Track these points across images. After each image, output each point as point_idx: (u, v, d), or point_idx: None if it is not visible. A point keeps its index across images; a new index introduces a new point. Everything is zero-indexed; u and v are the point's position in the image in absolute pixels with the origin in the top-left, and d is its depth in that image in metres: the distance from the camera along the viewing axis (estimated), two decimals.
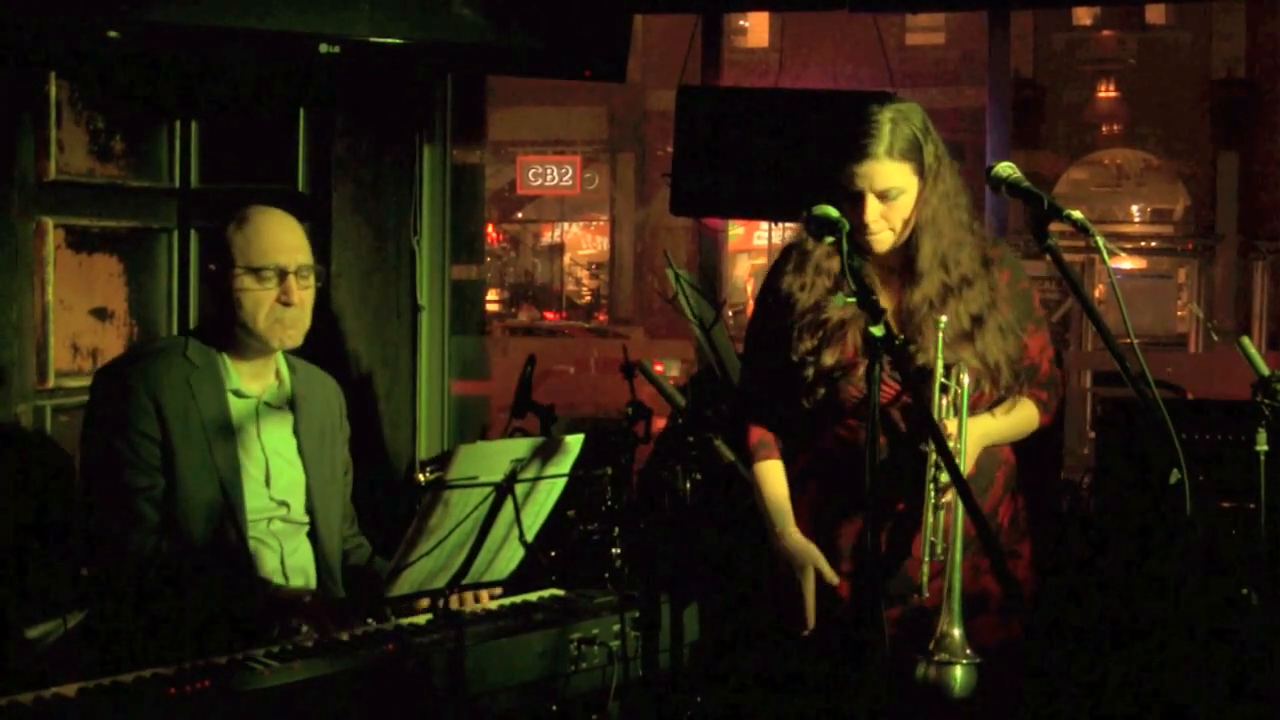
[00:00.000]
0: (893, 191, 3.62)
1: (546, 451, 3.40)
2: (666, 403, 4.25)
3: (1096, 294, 24.98)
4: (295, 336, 3.87)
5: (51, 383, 5.09)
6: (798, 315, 3.75)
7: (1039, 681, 3.99)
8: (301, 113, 5.63)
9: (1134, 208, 31.86)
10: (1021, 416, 3.81)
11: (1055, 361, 3.87)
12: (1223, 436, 5.13)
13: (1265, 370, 4.21)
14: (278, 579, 3.85)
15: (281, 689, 3.14)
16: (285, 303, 3.81)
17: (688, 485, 3.93)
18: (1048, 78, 29.90)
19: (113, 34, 4.73)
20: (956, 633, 3.49)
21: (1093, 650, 5.04)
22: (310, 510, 3.96)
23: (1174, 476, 3.15)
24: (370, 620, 3.76)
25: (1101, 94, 30.39)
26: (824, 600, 3.74)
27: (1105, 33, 30.38)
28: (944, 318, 3.62)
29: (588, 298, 35.94)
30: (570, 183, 32.76)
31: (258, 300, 3.79)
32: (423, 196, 6.10)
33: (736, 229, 31.07)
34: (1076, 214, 3.26)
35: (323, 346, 5.53)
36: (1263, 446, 4.21)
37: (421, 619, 3.71)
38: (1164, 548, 5.09)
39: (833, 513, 3.76)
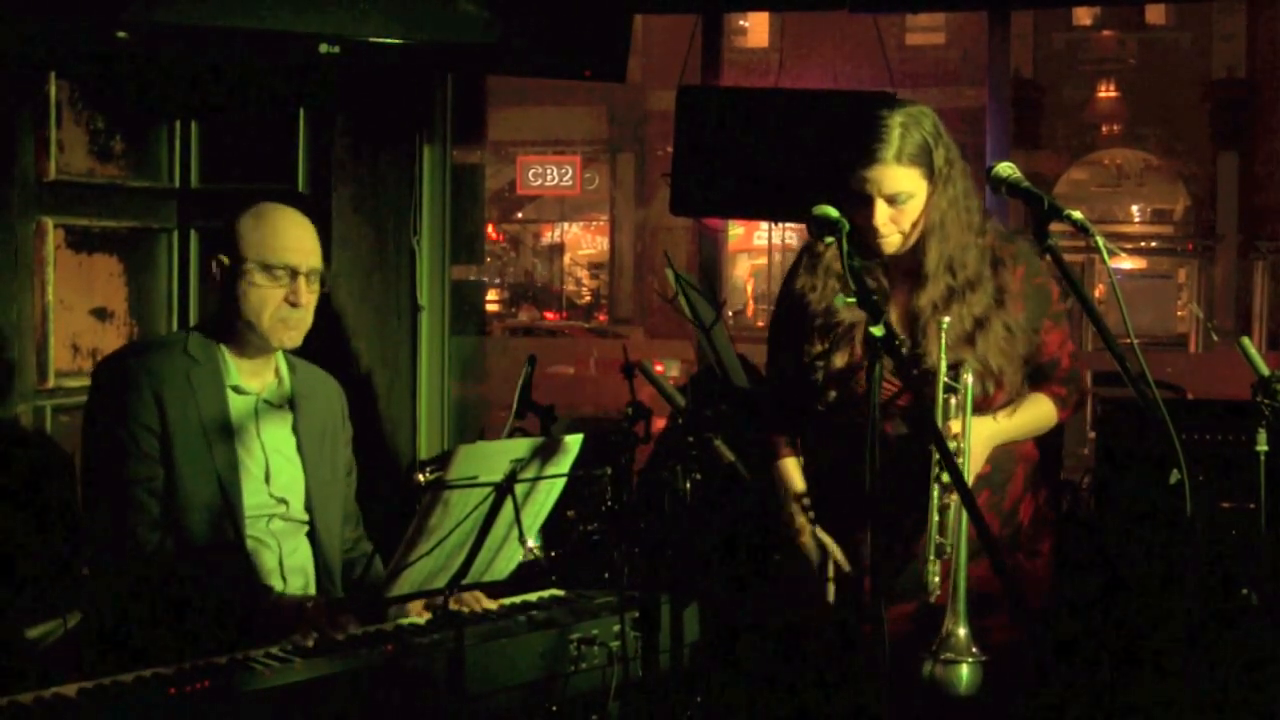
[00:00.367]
0: (902, 196, 3.64)
1: (546, 451, 3.40)
2: (666, 403, 4.25)
3: (1096, 294, 24.98)
4: (296, 338, 3.87)
5: (52, 383, 5.09)
6: (809, 317, 3.78)
7: (1048, 681, 3.99)
8: (301, 113, 5.63)
9: (1134, 208, 31.88)
10: (1035, 413, 3.83)
11: (1076, 356, 3.88)
12: (1223, 437, 5.13)
13: (1265, 370, 4.21)
14: (276, 579, 3.85)
15: (281, 689, 3.14)
16: (293, 303, 3.81)
17: (688, 485, 3.93)
18: (1048, 78, 29.91)
19: (122, 34, 4.74)
20: (962, 632, 3.51)
21: (1093, 650, 5.04)
22: (309, 509, 3.95)
23: (1174, 477, 3.15)
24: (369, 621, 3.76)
25: (1101, 94, 30.40)
26: (842, 595, 3.77)
27: (1105, 33, 30.40)
28: (946, 319, 3.63)
29: (587, 298, 35.95)
30: (570, 183, 32.76)
31: (265, 298, 3.79)
32: (423, 196, 6.10)
33: (736, 229, 31.09)
34: (1076, 214, 3.27)
35: (323, 346, 5.53)
36: (1263, 446, 4.21)
37: (421, 619, 3.72)
38: (1164, 548, 5.09)
39: (848, 511, 3.78)
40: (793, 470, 3.95)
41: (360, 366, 5.81)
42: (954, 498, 3.57)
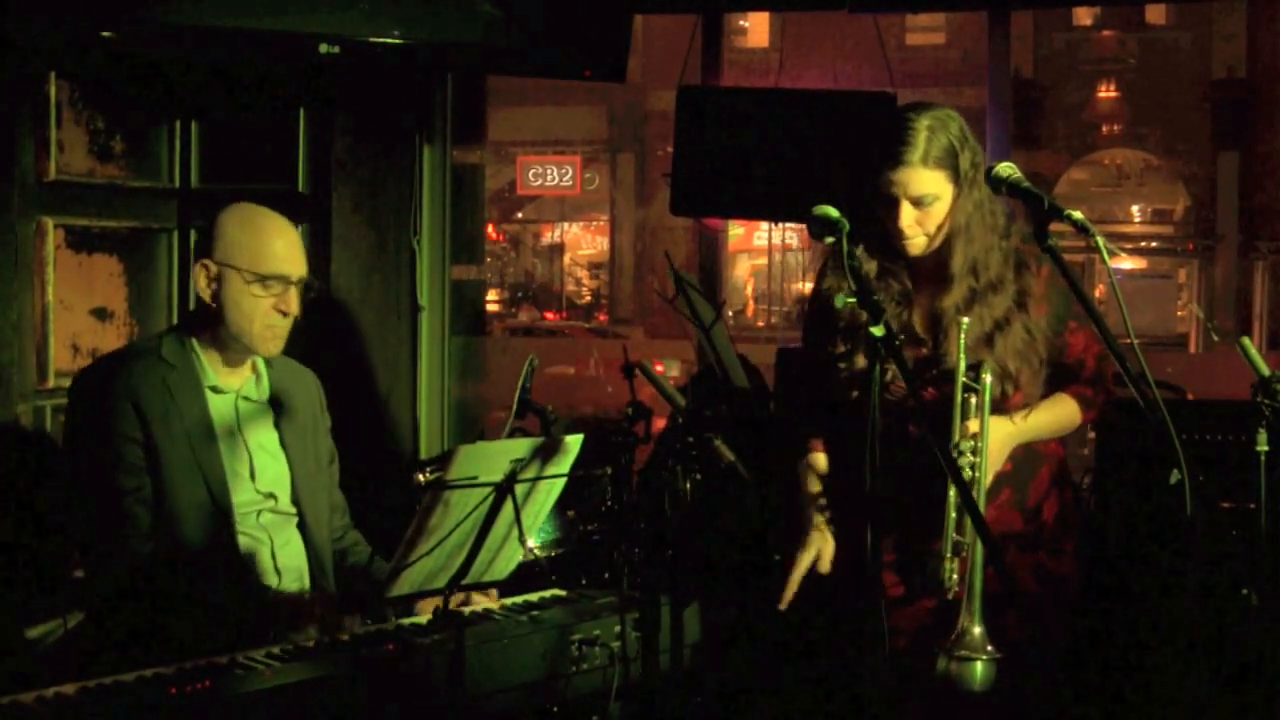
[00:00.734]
0: (927, 198, 3.65)
1: (546, 452, 3.40)
2: (667, 403, 4.25)
3: (1097, 294, 24.96)
4: (279, 346, 3.89)
5: (51, 383, 5.09)
6: (834, 317, 3.79)
7: (1058, 679, 3.99)
8: (302, 113, 5.63)
9: (1134, 208, 31.88)
10: (1058, 413, 3.85)
11: (1102, 358, 3.88)
12: (1223, 437, 5.12)
13: (1265, 370, 4.21)
14: (270, 576, 3.85)
15: (281, 689, 3.14)
16: (283, 312, 3.81)
17: (688, 485, 3.94)
18: (1048, 78, 29.91)
19: (107, 34, 4.73)
20: (977, 630, 3.54)
21: (1093, 650, 5.04)
22: (297, 502, 3.96)
23: (1174, 477, 3.15)
24: (370, 620, 3.76)
25: (1102, 94, 30.40)
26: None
27: (1105, 33, 30.40)
28: (965, 320, 3.65)
29: (588, 298, 35.94)
30: (570, 183, 32.77)
31: (256, 307, 3.79)
32: (423, 197, 6.10)
33: (736, 229, 31.08)
34: (1077, 214, 3.27)
35: (323, 346, 5.54)
36: (1263, 447, 4.20)
37: (422, 619, 3.72)
38: (1164, 548, 5.09)
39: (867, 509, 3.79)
40: (819, 466, 3.96)
41: (360, 366, 5.81)
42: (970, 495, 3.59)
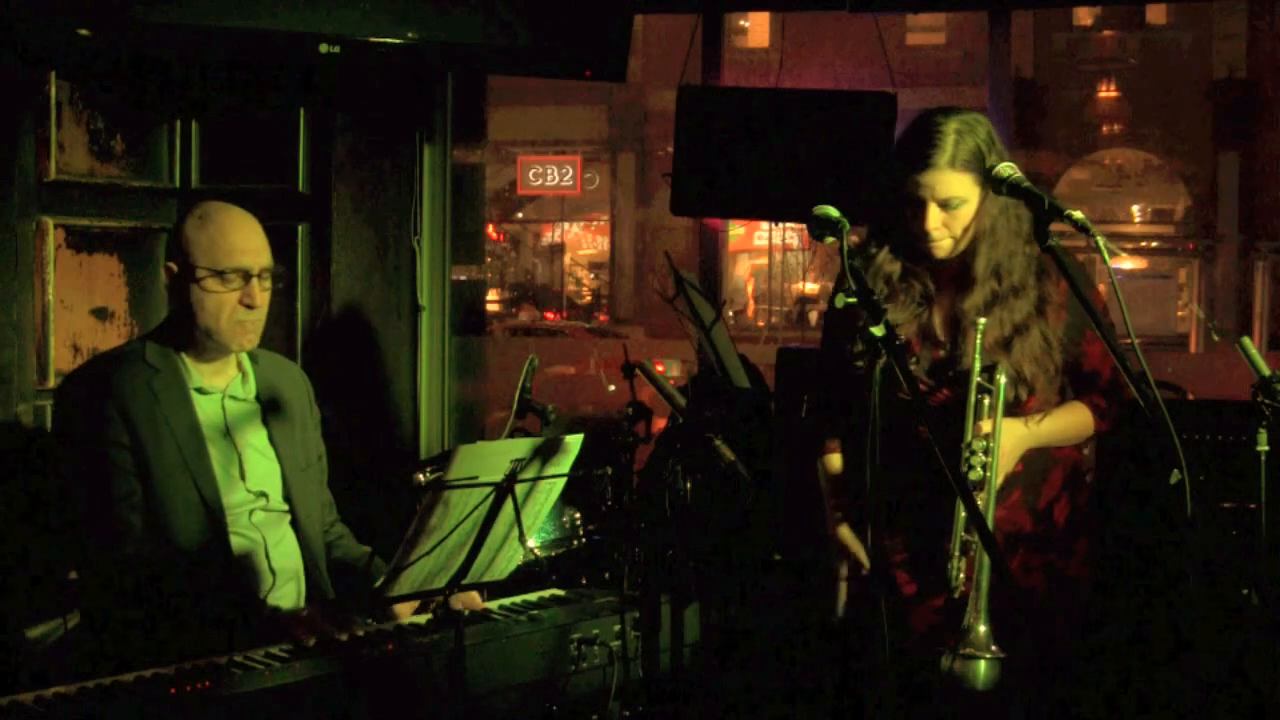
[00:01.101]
0: (954, 200, 3.66)
1: (546, 451, 3.40)
2: (667, 403, 4.25)
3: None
4: (254, 339, 3.88)
5: (52, 382, 5.09)
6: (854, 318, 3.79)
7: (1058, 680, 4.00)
8: (302, 113, 5.62)
9: (1134, 208, 31.88)
10: (1071, 420, 3.86)
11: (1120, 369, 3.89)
12: (1223, 437, 5.12)
13: (1266, 370, 4.21)
14: (265, 577, 3.85)
15: (282, 689, 3.14)
16: (248, 305, 3.81)
17: (688, 485, 3.94)
18: (1048, 78, 29.91)
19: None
20: (982, 628, 3.55)
21: (1094, 650, 5.04)
22: (289, 499, 3.96)
23: (1175, 477, 3.15)
24: (370, 620, 3.76)
25: (1102, 94, 30.41)
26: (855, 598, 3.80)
27: (1106, 32, 30.40)
28: (983, 320, 3.66)
29: (588, 298, 35.95)
30: (570, 183, 32.78)
31: (220, 303, 3.78)
32: (423, 196, 6.09)
33: (737, 229, 31.11)
34: (1077, 214, 3.27)
35: (323, 346, 5.54)
36: (1263, 447, 4.20)
37: (422, 619, 3.72)
38: (1165, 548, 5.09)
39: (893, 512, 3.79)
40: (834, 467, 3.98)
41: (361, 366, 5.81)
42: (980, 496, 3.62)
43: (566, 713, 3.65)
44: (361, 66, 5.33)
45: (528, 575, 3.95)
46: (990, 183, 3.53)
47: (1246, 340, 4.28)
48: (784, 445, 5.66)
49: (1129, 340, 3.31)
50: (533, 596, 3.97)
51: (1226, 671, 4.72)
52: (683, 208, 6.71)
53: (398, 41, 5.06)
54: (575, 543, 5.12)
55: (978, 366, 3.67)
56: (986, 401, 3.67)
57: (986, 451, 3.63)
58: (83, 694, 3.07)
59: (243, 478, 3.87)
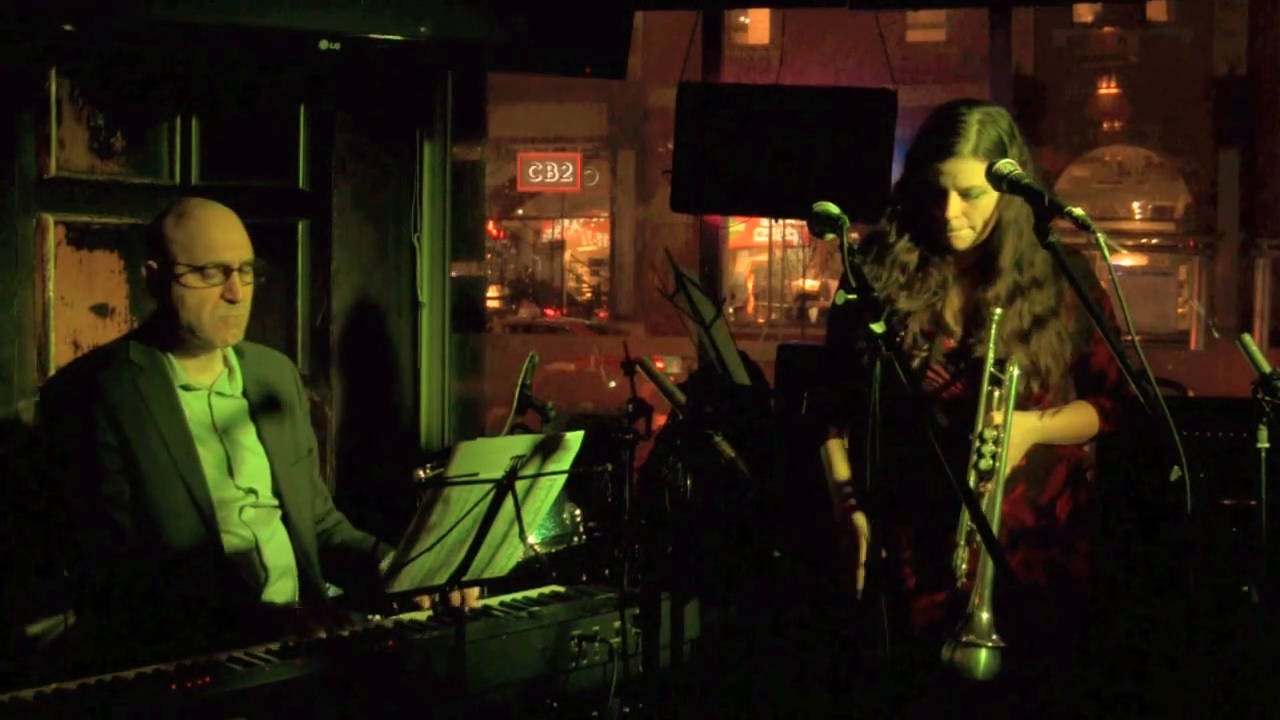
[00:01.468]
0: (975, 190, 3.66)
1: (546, 448, 3.40)
2: (667, 400, 4.25)
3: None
4: (238, 334, 3.86)
5: None
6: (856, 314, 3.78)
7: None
8: (302, 109, 5.62)
9: (1135, 205, 31.87)
10: (1078, 419, 3.86)
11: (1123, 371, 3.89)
12: (1223, 434, 5.13)
13: (1266, 368, 4.21)
14: (259, 574, 3.84)
15: (281, 685, 3.14)
16: (230, 300, 3.79)
17: (688, 482, 3.94)
18: (1049, 75, 29.89)
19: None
20: (984, 615, 3.55)
21: (1095, 647, 5.05)
22: (278, 494, 3.94)
23: (1175, 473, 3.15)
24: (372, 616, 3.76)
25: (1103, 91, 30.40)
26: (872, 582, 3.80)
27: (1106, 29, 30.39)
28: (999, 310, 3.67)
29: (588, 294, 35.95)
30: (571, 179, 32.78)
31: (202, 298, 3.77)
32: (423, 193, 6.09)
33: (737, 226, 31.10)
34: (1078, 211, 3.27)
35: (323, 343, 5.54)
36: (1263, 444, 4.21)
37: (422, 615, 3.72)
38: (1165, 545, 5.09)
39: (897, 501, 3.79)
40: (837, 455, 3.98)
41: (361, 363, 5.81)
42: (989, 486, 3.63)
43: (567, 709, 3.65)
44: (362, 63, 5.34)
45: (528, 572, 3.94)
46: (990, 180, 3.52)
47: (1247, 337, 4.29)
48: (784, 442, 5.67)
49: (1129, 337, 3.32)
50: (533, 593, 3.96)
51: (1227, 668, 4.73)
52: (683, 204, 6.72)
53: (398, 38, 5.06)
54: (576, 539, 5.12)
55: (991, 357, 3.67)
56: (997, 393, 3.67)
57: (997, 442, 3.63)
58: (83, 690, 3.07)
59: (231, 475, 3.85)
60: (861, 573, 3.79)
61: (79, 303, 5.24)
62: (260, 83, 5.57)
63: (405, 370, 6.04)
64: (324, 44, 4.96)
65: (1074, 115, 30.28)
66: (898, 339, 3.27)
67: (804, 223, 3.43)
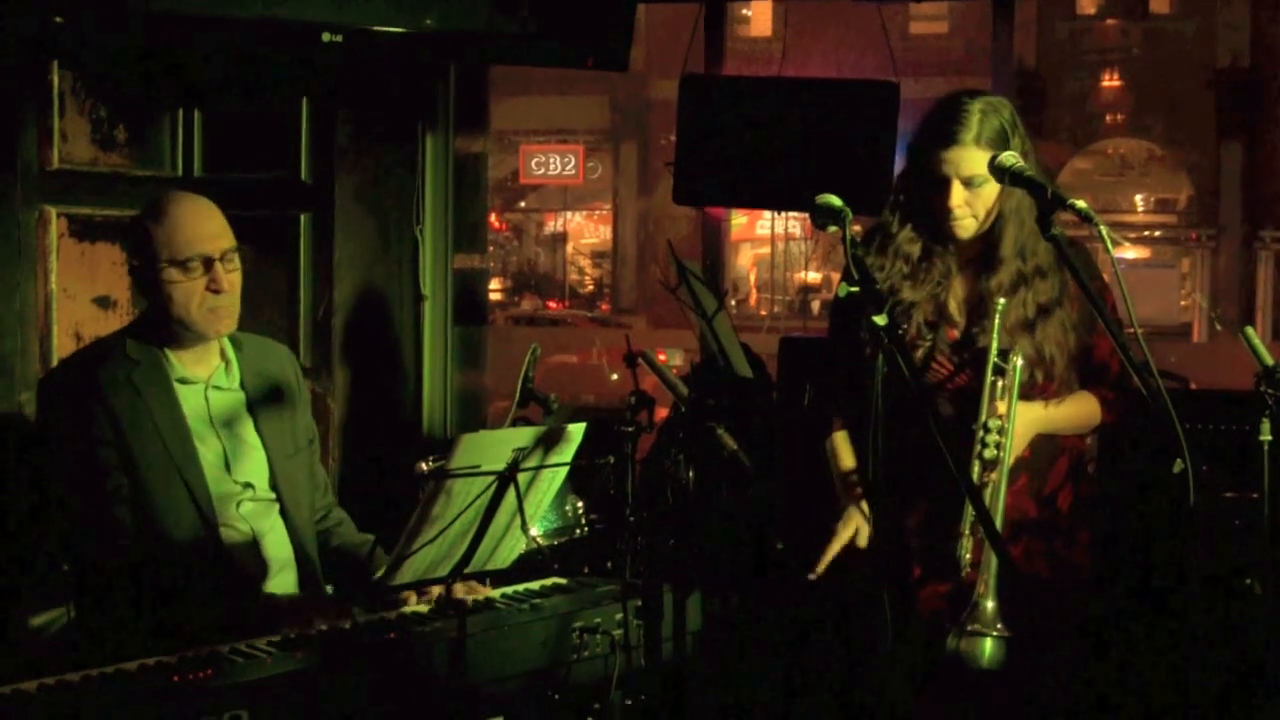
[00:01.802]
0: (978, 179, 3.66)
1: (548, 440, 3.40)
2: (669, 392, 4.25)
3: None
4: (230, 324, 3.84)
5: None
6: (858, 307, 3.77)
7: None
8: (304, 102, 5.62)
9: (1137, 197, 31.88)
10: (1081, 410, 3.86)
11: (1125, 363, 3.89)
12: (1226, 426, 5.12)
13: (1269, 360, 4.21)
14: (257, 568, 3.84)
15: (283, 677, 3.14)
16: (215, 290, 3.76)
17: (690, 474, 3.94)
18: (1051, 67, 29.91)
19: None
20: (989, 604, 3.56)
21: (1097, 640, 5.05)
22: (275, 487, 3.93)
23: (1177, 466, 3.15)
24: (368, 609, 3.76)
25: (1105, 83, 30.40)
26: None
27: (1109, 22, 30.39)
28: (1002, 300, 3.67)
29: (590, 287, 35.98)
30: (573, 172, 32.80)
31: (188, 292, 3.74)
32: (425, 186, 6.09)
33: (739, 218, 31.06)
34: (1080, 203, 3.27)
35: (325, 336, 5.54)
36: (1266, 436, 4.20)
37: (424, 607, 3.72)
38: (1167, 537, 5.09)
39: (901, 491, 3.79)
40: (842, 448, 3.99)
41: (363, 356, 5.81)
42: (993, 476, 3.63)
43: (568, 700, 3.65)
44: (364, 56, 5.33)
45: (530, 564, 3.94)
46: (993, 172, 3.52)
47: (1250, 330, 4.28)
48: (786, 434, 5.67)
49: (1132, 330, 3.32)
50: (535, 585, 3.96)
51: (1229, 662, 4.73)
52: (685, 197, 6.71)
53: (400, 30, 5.06)
54: (578, 532, 5.12)
55: (995, 348, 3.67)
56: (1001, 383, 3.67)
57: (1001, 432, 3.63)
58: (85, 682, 3.07)
59: (229, 469, 3.85)
60: (829, 556, 3.80)
61: (81, 295, 5.24)
62: (263, 75, 5.57)
63: (407, 363, 6.04)
64: (326, 36, 4.96)
65: (1076, 108, 30.30)
66: (900, 331, 3.27)
67: (806, 215, 3.43)
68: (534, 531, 3.53)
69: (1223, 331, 25.48)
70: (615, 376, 19.33)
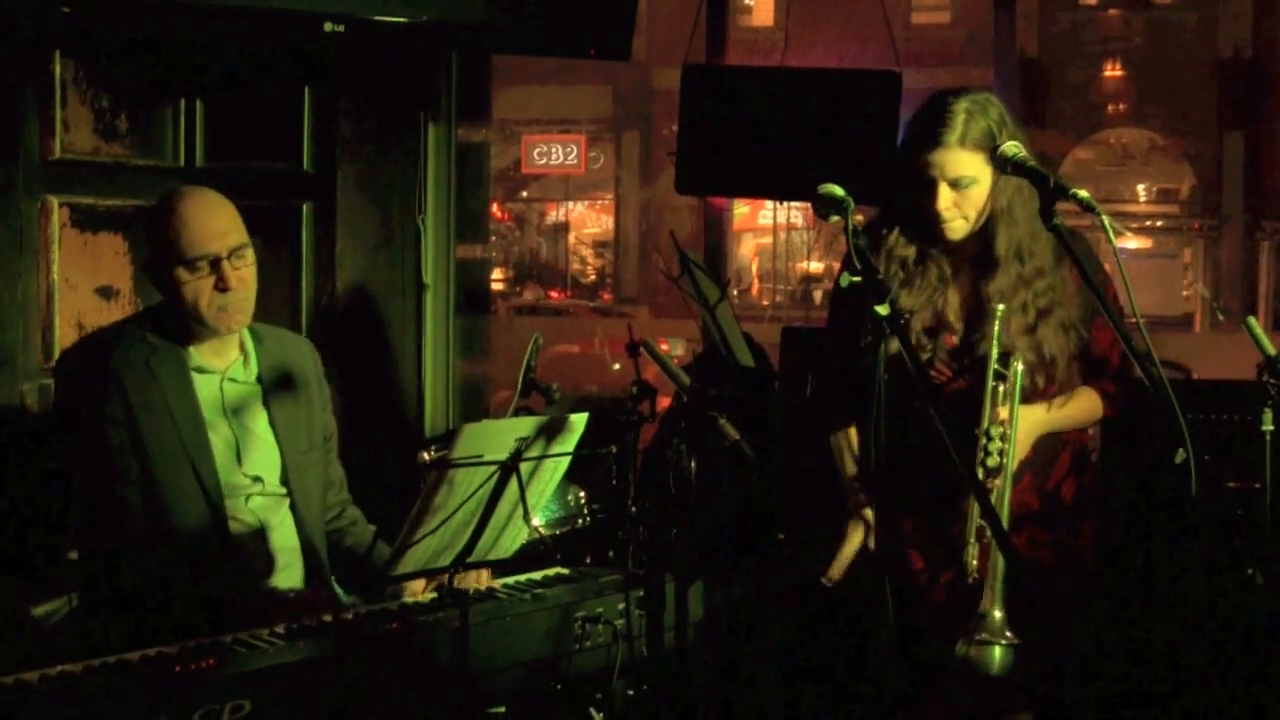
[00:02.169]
0: (965, 180, 3.64)
1: (551, 430, 3.40)
2: (671, 382, 4.25)
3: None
4: (242, 319, 3.82)
5: (56, 362, 5.09)
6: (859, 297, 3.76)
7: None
8: (306, 91, 5.61)
9: (1140, 187, 31.89)
10: (1083, 406, 3.86)
11: (1126, 355, 3.89)
12: (1228, 416, 5.12)
13: (1271, 350, 4.22)
14: (263, 561, 3.84)
15: (285, 667, 3.14)
16: (223, 289, 3.73)
17: (692, 464, 3.94)
18: (1053, 57, 29.89)
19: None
20: (997, 614, 3.54)
21: (1099, 633, 5.05)
22: (286, 483, 3.92)
23: (1179, 456, 3.16)
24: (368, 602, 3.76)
25: (1107, 73, 30.39)
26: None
27: (1111, 12, 30.38)
28: (1001, 306, 3.66)
29: (592, 277, 35.98)
30: (575, 161, 32.81)
31: (197, 291, 3.72)
32: (427, 175, 6.08)
33: (741, 208, 31.15)
34: (1083, 193, 3.27)
35: (328, 325, 5.54)
36: (1268, 426, 4.21)
37: (426, 597, 3.72)
38: (1169, 527, 5.09)
39: (903, 492, 3.79)
40: (848, 454, 3.96)
41: (365, 345, 5.81)
42: (996, 482, 3.62)
43: (570, 691, 3.65)
44: (366, 45, 5.33)
45: (532, 554, 3.95)
46: (995, 162, 3.51)
47: (1252, 320, 4.29)
48: (788, 424, 5.67)
49: (1134, 320, 3.31)
50: (537, 575, 3.96)
51: (1231, 651, 4.73)
52: (687, 187, 6.72)
53: (402, 20, 5.06)
54: (580, 521, 5.12)
55: (995, 353, 3.65)
56: (1002, 388, 3.66)
57: (1004, 438, 3.62)
58: (88, 672, 3.08)
59: (239, 462, 3.84)
60: (843, 561, 3.80)
61: (83, 285, 5.24)
62: (265, 65, 5.56)
63: (409, 352, 6.04)
64: (328, 26, 4.95)
65: (1078, 98, 30.29)
66: (902, 321, 3.26)
67: (808, 205, 3.42)
68: (536, 521, 3.53)
69: (1225, 322, 25.47)
70: (617, 366, 19.31)
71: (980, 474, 3.61)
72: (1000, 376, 3.66)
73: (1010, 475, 3.64)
